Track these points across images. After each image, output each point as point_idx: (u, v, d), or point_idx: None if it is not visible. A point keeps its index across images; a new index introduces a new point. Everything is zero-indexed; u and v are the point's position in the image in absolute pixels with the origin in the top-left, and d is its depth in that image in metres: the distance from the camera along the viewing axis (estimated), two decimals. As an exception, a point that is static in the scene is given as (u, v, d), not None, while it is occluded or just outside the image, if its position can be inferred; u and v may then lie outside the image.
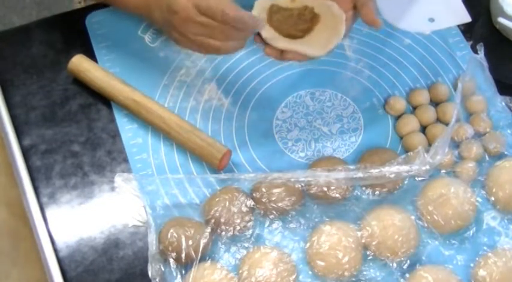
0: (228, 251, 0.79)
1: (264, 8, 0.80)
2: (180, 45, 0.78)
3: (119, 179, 0.80)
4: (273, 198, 0.80)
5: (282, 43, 0.79)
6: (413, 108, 0.91)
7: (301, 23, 0.80)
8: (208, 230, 0.77)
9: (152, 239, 0.76)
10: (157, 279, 0.75)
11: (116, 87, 0.86)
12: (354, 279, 0.78)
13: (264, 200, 0.80)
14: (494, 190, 0.84)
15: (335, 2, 0.81)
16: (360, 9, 0.79)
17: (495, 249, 0.81)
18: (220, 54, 0.78)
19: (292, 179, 0.80)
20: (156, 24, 0.81)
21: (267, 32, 0.79)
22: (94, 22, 0.93)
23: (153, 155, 0.85)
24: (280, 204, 0.80)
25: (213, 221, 0.78)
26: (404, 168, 0.79)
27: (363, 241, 0.79)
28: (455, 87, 0.93)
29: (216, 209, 0.78)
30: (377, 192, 0.83)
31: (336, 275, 0.77)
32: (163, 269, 0.76)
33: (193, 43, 0.75)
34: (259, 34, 0.79)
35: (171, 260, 0.76)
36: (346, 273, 0.77)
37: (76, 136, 0.86)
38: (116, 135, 0.86)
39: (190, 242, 0.76)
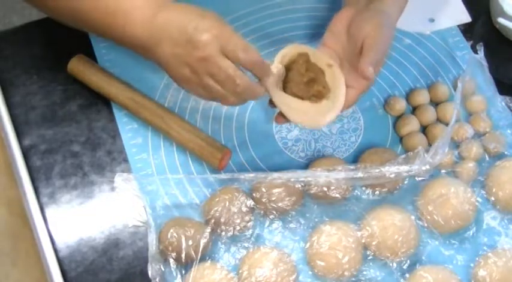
0: (228, 251, 0.79)
1: (286, 56, 0.77)
2: (184, 85, 0.73)
3: (119, 179, 0.80)
4: (273, 198, 0.80)
5: (280, 102, 0.76)
6: (413, 108, 0.91)
7: (306, 90, 0.78)
8: (208, 230, 0.78)
9: (152, 239, 0.76)
10: (157, 279, 0.75)
11: (115, 87, 0.86)
12: (354, 279, 0.78)
13: (264, 200, 0.80)
14: (494, 190, 0.84)
15: (351, 69, 0.79)
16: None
17: (495, 249, 0.81)
18: (219, 103, 0.75)
19: (292, 179, 0.80)
20: (156, 58, 0.72)
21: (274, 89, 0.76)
22: (94, 22, 0.93)
23: (153, 155, 0.85)
24: (280, 204, 0.80)
25: (213, 221, 0.78)
26: (404, 168, 0.79)
27: (363, 241, 0.79)
28: (455, 87, 0.93)
29: (216, 209, 0.78)
30: (377, 192, 0.83)
31: (336, 275, 0.77)
32: (163, 269, 0.76)
33: (200, 85, 0.71)
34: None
35: (171, 260, 0.76)
36: (346, 273, 0.77)
37: (76, 136, 0.86)
38: (116, 135, 0.86)
39: (190, 242, 0.76)
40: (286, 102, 0.76)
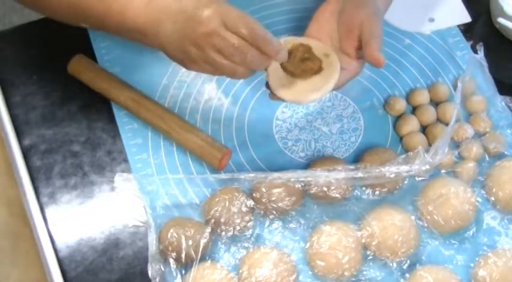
0: (228, 251, 0.79)
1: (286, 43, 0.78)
2: (190, 64, 0.73)
3: (119, 179, 0.80)
4: (273, 198, 0.80)
5: (273, 80, 0.77)
6: (413, 108, 0.91)
7: (297, 66, 0.78)
8: (208, 230, 0.78)
9: (152, 239, 0.76)
10: (157, 279, 0.75)
11: (116, 87, 0.86)
12: (354, 279, 0.78)
13: (264, 200, 0.80)
14: (494, 190, 0.84)
15: (340, 53, 0.80)
16: (363, 49, 0.77)
17: (495, 249, 0.81)
18: (228, 77, 0.75)
19: (292, 179, 0.80)
20: (157, 40, 0.72)
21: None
22: (94, 22, 0.93)
23: (153, 155, 0.85)
24: (280, 204, 0.80)
25: (213, 221, 0.78)
26: (404, 168, 0.79)
27: (363, 241, 0.79)
28: (455, 87, 0.93)
29: (216, 209, 0.78)
30: (377, 192, 0.83)
31: (336, 275, 0.77)
32: (163, 269, 0.76)
33: (207, 61, 0.71)
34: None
35: (171, 260, 0.76)
36: (346, 273, 0.77)
37: (76, 136, 0.86)
38: (116, 135, 0.86)
39: (190, 242, 0.76)
40: (277, 76, 0.77)
